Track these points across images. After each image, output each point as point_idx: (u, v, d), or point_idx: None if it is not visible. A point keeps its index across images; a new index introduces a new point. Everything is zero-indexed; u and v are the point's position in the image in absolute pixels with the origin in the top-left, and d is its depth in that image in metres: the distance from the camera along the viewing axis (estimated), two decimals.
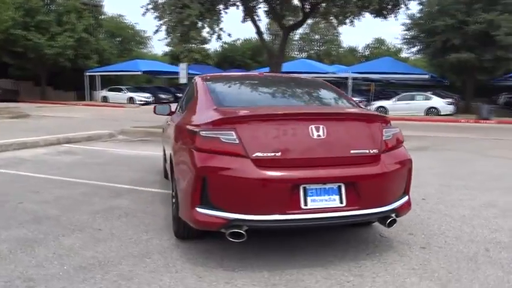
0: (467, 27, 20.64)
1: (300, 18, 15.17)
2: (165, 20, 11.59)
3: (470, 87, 25.89)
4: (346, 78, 24.38)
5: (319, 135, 3.03)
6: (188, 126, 3.35)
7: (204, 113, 3.37)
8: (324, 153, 3.04)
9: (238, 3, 13.11)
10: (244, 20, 14.73)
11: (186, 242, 3.63)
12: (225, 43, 50.74)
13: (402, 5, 13.28)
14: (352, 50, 56.27)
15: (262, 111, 3.21)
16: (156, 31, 12.32)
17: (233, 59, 48.80)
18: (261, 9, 14.52)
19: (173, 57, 46.20)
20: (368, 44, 58.48)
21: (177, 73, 38.18)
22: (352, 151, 3.10)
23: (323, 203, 2.96)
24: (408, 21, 24.38)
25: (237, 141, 2.96)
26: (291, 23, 15.75)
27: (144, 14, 12.43)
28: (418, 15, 23.87)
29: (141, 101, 30.32)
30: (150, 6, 12.31)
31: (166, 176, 6.26)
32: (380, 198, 3.13)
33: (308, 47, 49.17)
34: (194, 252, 3.44)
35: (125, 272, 3.07)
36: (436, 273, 3.09)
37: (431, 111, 21.89)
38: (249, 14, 13.48)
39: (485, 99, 28.00)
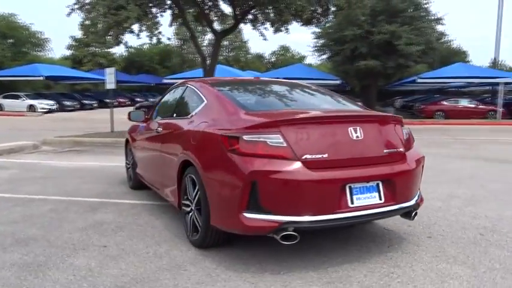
0: (373, 37, 22.62)
1: (227, 24, 15.32)
2: (94, 21, 10.81)
3: (374, 92, 28.28)
4: None
5: (357, 137, 3.17)
6: (219, 131, 3.25)
7: (235, 118, 3.29)
8: (363, 153, 3.19)
9: (173, 6, 12.78)
10: (171, 24, 14.42)
11: (210, 251, 3.51)
12: (131, 47, 48.95)
13: (330, 15, 14.14)
14: (260, 57, 58.06)
15: (304, 115, 3.26)
16: (85, 33, 11.48)
17: (141, 64, 47.30)
18: (191, 14, 14.35)
19: (75, 62, 43.32)
20: (274, 51, 60.89)
21: (83, 78, 36.06)
22: (385, 150, 3.30)
23: (366, 200, 3.10)
24: (318, 30, 25.88)
25: (285, 144, 2.97)
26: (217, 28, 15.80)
27: (69, 15, 11.50)
28: (328, 24, 25.48)
29: (43, 108, 27.74)
30: (76, 6, 11.43)
31: (133, 187, 5.94)
32: (408, 193, 3.38)
33: None
34: (227, 259, 3.34)
35: (169, 286, 2.89)
36: (458, 258, 3.40)
37: None
38: (182, 16, 13.21)
39: (381, 102, 30.82)
